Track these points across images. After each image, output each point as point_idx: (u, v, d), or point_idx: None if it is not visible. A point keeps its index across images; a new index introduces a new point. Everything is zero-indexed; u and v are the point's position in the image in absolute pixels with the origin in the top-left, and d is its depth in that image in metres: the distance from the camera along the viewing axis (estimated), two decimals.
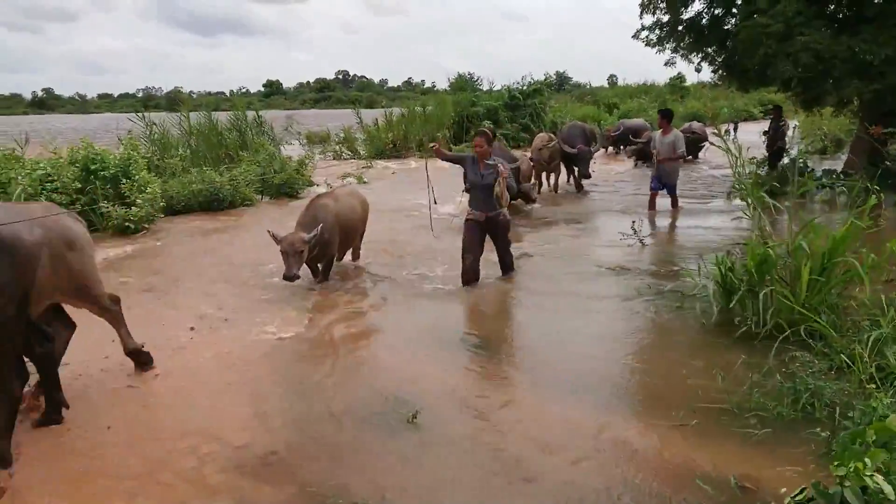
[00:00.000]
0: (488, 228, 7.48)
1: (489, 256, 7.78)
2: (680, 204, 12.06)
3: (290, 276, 6.93)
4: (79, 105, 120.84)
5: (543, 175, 14.42)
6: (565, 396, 4.75)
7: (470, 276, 7.45)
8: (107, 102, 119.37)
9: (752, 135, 17.83)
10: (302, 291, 7.45)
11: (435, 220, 8.77)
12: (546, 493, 3.61)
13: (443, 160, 7.64)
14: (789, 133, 15.01)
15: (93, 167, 10.74)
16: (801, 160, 13.99)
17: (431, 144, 7.58)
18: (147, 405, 4.73)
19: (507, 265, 7.78)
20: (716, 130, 6.74)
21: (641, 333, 6.05)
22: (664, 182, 11.83)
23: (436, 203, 8.36)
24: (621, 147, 21.34)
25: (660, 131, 11.88)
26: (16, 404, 4.04)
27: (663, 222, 11.14)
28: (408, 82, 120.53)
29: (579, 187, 14.77)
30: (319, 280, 7.73)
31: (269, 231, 7.24)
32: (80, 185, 10.58)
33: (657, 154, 11.71)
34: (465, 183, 7.98)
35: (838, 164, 15.45)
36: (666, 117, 11.93)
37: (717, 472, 3.67)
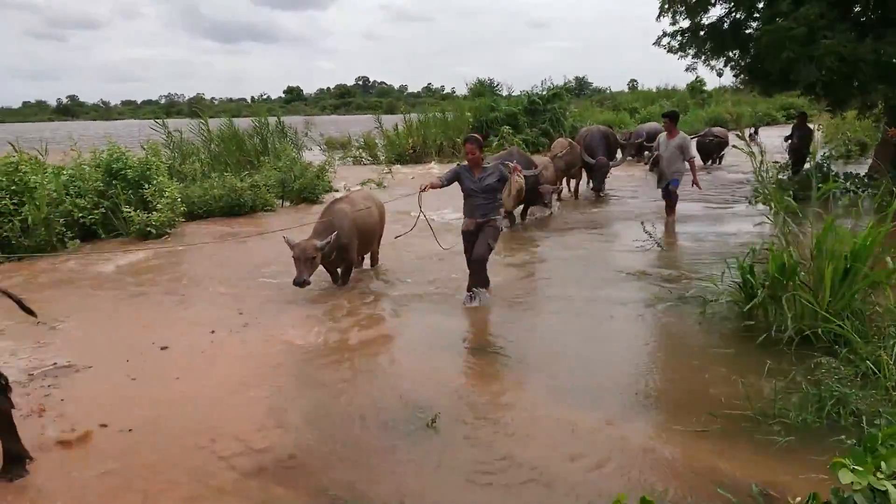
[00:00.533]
0: (476, 233, 7.10)
1: (500, 260, 7.72)
2: (676, 215, 11.26)
3: (299, 282, 6.99)
4: (102, 112, 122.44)
5: (564, 180, 14.33)
6: (585, 402, 4.71)
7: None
8: (130, 109, 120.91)
9: (775, 139, 17.64)
10: (320, 296, 7.47)
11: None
12: (565, 498, 3.58)
13: (440, 188, 7.09)
14: (815, 139, 14.82)
15: (115, 166, 10.87)
16: (824, 164, 13.84)
17: (421, 188, 7.02)
18: (168, 408, 4.75)
19: (476, 269, 7.07)
20: (739, 134, 6.66)
21: (663, 339, 5.99)
22: (666, 180, 11.05)
23: (433, 232, 7.51)
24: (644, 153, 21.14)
25: (664, 134, 11.24)
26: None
27: (684, 228, 10.98)
28: (428, 88, 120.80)
29: (597, 193, 14.64)
30: (340, 285, 7.75)
31: (284, 237, 7.28)
32: (102, 189, 10.71)
33: (660, 158, 11.04)
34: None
35: (862, 169, 15.24)
36: (672, 120, 11.25)
37: (739, 478, 3.63)
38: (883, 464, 2.30)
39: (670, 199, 11.22)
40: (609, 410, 4.57)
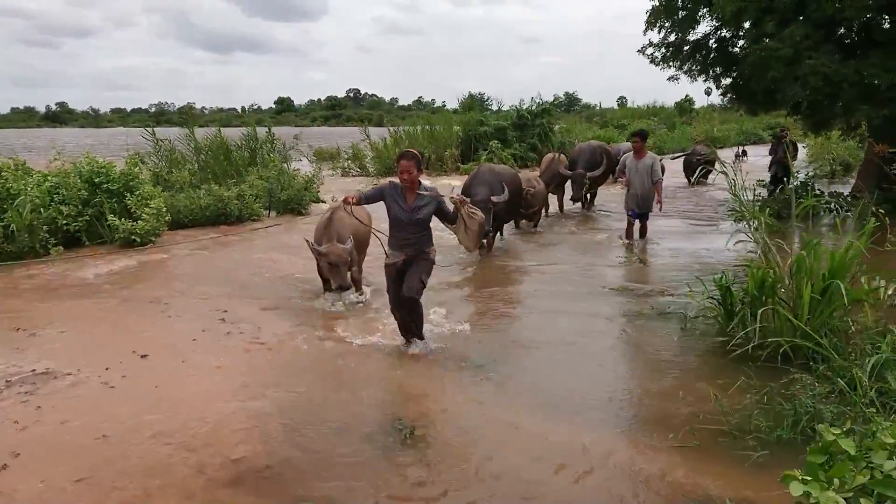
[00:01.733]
0: (404, 269, 5.93)
1: (481, 274, 7.72)
2: (649, 235, 11.04)
3: (346, 286, 7.12)
4: (91, 119, 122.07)
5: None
6: (565, 416, 4.73)
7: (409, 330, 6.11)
8: (119, 117, 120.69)
9: (761, 158, 17.83)
10: (304, 305, 7.46)
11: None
12: None
13: (364, 204, 5.99)
14: (800, 156, 15.00)
15: (97, 180, 10.83)
16: (809, 183, 13.99)
17: (344, 201, 5.81)
18: (146, 416, 4.72)
19: (409, 309, 5.92)
20: (711, 151, 6.72)
21: (643, 354, 6.02)
22: (640, 211, 10.74)
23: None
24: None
25: (631, 155, 10.66)
26: None
27: (667, 244, 11.04)
28: (418, 101, 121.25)
29: (582, 205, 14.53)
30: (355, 291, 7.71)
31: (306, 240, 7.23)
32: (86, 197, 10.66)
33: (628, 181, 10.61)
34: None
35: (846, 188, 15.42)
36: (643, 139, 10.73)
37: (714, 493, 3.65)
38: (837, 479, 2.33)
39: (641, 224, 10.97)
40: (587, 424, 4.59)
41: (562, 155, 14.62)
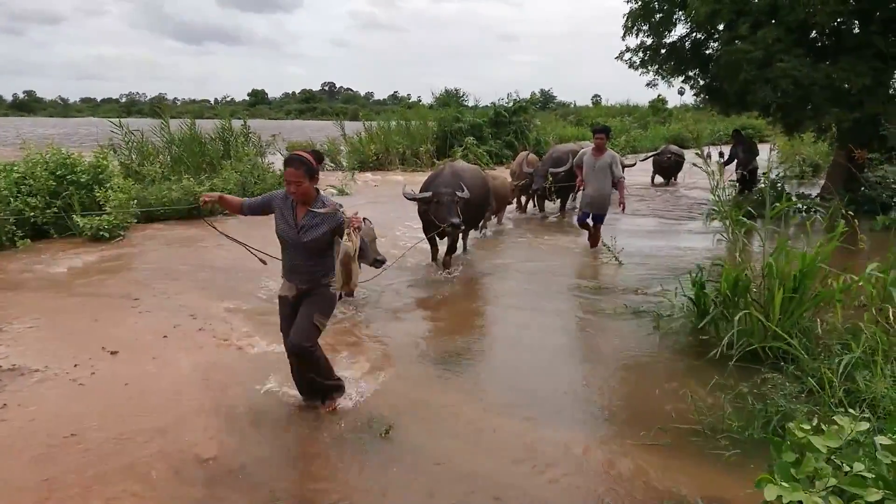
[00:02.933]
0: (299, 304, 4.60)
1: (457, 274, 7.69)
2: (601, 242, 9.82)
3: (382, 260, 6.92)
4: (60, 108, 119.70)
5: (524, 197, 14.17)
6: (538, 415, 4.74)
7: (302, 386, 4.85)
8: (89, 107, 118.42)
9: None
10: (273, 302, 7.38)
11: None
12: None
13: (237, 213, 4.79)
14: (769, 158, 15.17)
15: (59, 172, 10.63)
16: (778, 184, 14.20)
17: (203, 201, 4.72)
18: (115, 414, 4.64)
19: (303, 361, 4.57)
20: (698, 153, 6.76)
21: (616, 353, 6.05)
22: (595, 213, 9.89)
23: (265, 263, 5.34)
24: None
25: (589, 152, 9.83)
26: None
27: (640, 242, 11.11)
28: (394, 96, 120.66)
29: (540, 207, 14.08)
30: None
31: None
32: (55, 188, 10.46)
33: (583, 180, 9.87)
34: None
35: (815, 190, 15.70)
36: (606, 136, 9.87)
37: (685, 492, 3.69)
38: (814, 480, 2.36)
39: (594, 228, 10.06)
40: (561, 423, 4.61)
41: (531, 154, 14.46)
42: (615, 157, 9.70)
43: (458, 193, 8.15)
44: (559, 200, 13.98)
